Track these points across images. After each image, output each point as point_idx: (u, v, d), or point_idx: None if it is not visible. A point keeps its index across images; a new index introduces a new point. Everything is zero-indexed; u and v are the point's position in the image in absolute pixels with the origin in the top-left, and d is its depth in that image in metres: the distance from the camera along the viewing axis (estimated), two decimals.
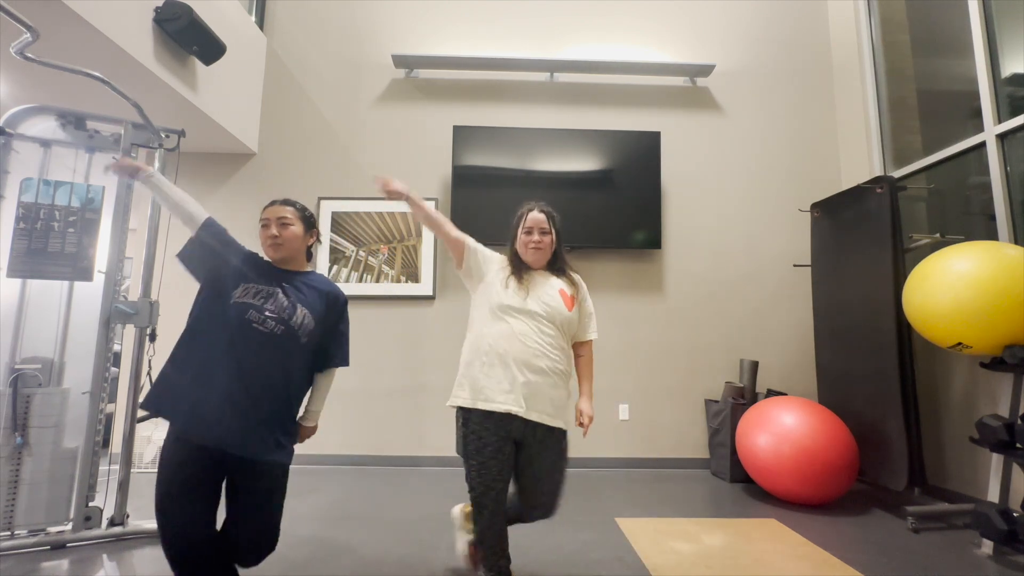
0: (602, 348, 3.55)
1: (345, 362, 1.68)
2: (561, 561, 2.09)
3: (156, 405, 1.44)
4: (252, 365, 1.44)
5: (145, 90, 2.84)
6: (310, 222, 1.67)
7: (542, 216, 1.76)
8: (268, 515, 1.51)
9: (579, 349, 1.83)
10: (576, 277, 1.83)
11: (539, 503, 1.64)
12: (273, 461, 1.48)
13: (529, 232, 1.75)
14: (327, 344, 1.64)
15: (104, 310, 2.31)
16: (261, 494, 1.49)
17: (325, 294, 1.62)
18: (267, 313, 1.47)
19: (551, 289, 1.72)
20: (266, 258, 1.63)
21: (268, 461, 1.47)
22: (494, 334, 1.65)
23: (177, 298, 3.52)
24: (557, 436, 1.65)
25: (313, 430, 1.68)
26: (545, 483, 1.63)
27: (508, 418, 1.60)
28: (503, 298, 1.67)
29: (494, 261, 1.80)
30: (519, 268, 1.74)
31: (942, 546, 2.29)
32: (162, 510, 1.39)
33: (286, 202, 1.63)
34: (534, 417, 1.60)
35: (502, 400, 1.59)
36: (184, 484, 1.40)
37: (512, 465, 1.64)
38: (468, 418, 1.64)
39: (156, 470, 1.43)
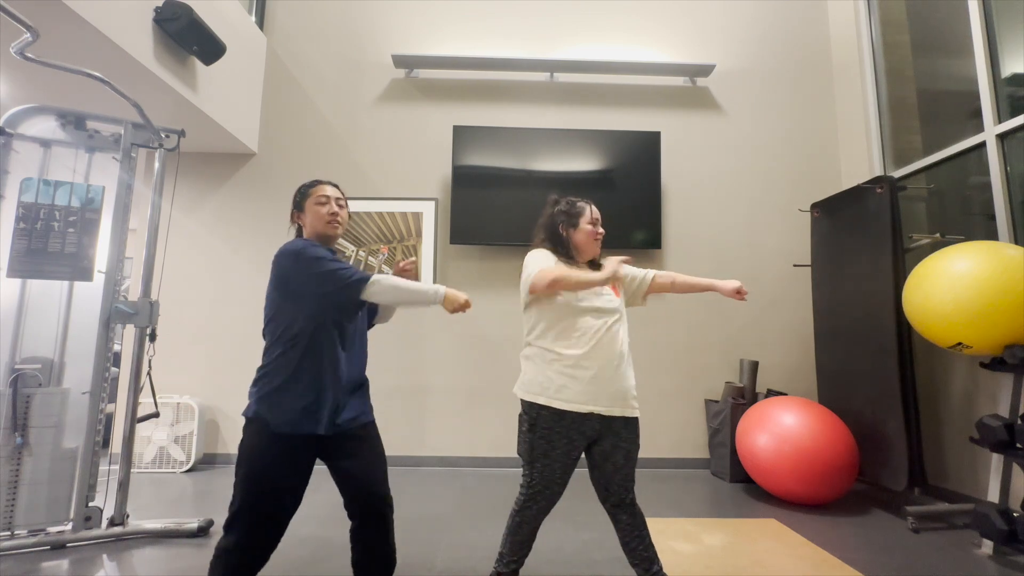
0: None
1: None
2: (561, 561, 2.09)
3: None
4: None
5: (145, 90, 2.84)
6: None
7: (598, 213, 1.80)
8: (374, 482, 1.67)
9: (664, 290, 1.86)
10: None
11: (613, 492, 1.63)
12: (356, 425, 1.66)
13: (595, 224, 1.75)
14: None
15: (104, 310, 2.31)
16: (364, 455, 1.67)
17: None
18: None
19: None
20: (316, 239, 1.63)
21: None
22: (576, 335, 1.61)
23: (177, 298, 3.54)
24: (632, 426, 1.66)
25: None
26: (620, 474, 1.62)
27: (583, 418, 1.58)
28: (581, 298, 1.63)
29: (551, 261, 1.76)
30: (574, 263, 1.71)
31: (942, 546, 2.29)
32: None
33: (332, 184, 1.66)
34: (615, 412, 1.60)
35: (582, 400, 1.57)
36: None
37: (574, 467, 1.63)
38: (536, 421, 1.60)
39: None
